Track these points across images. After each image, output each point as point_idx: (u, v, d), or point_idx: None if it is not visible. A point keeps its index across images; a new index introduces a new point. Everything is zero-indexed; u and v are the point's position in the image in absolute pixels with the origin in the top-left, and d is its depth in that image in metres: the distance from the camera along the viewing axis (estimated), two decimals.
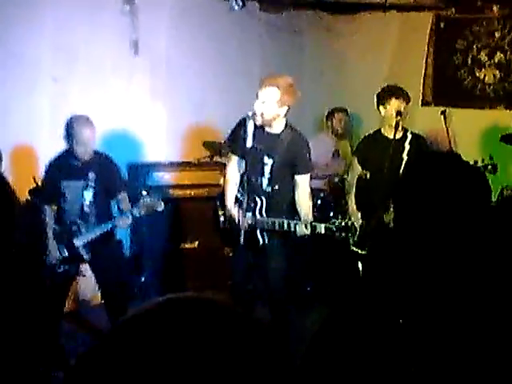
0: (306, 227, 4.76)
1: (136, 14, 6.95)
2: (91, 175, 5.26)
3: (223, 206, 5.22)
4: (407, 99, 5.89)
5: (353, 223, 4.74)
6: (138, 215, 5.25)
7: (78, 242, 5.22)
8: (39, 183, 5.31)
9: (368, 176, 6.25)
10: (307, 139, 5.20)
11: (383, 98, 5.93)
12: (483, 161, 5.66)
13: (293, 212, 5.06)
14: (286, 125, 5.01)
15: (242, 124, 5.10)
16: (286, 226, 4.84)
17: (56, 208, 5.41)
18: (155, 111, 7.25)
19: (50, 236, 5.24)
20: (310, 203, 5.08)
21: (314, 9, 8.30)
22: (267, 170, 4.97)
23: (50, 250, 5.20)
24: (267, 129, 4.94)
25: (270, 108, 4.87)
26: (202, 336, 1.04)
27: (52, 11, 6.36)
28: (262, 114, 4.86)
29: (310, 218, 4.95)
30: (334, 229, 4.66)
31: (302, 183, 5.02)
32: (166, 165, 7.03)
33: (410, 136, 5.95)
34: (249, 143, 4.89)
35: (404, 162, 5.74)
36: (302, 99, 8.32)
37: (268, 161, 4.95)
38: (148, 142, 7.17)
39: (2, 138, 5.80)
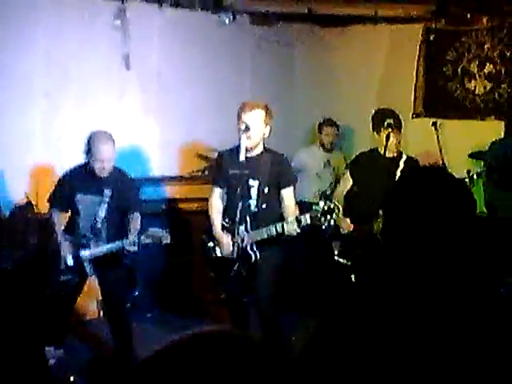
0: (292, 224, 4.90)
1: (127, 28, 6.97)
2: (107, 192, 5.26)
3: (211, 236, 5.35)
4: (398, 126, 5.97)
5: (335, 204, 4.86)
6: (143, 243, 5.23)
7: (85, 255, 5.22)
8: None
9: (356, 190, 6.31)
10: (286, 156, 5.47)
11: (376, 125, 5.99)
12: (476, 168, 5.70)
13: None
14: (264, 147, 5.21)
15: (227, 155, 5.29)
16: (274, 230, 4.97)
17: (68, 218, 5.42)
18: (147, 125, 7.25)
19: (59, 239, 5.27)
20: (297, 212, 5.23)
21: (305, 22, 8.32)
22: (254, 191, 5.14)
23: (60, 253, 5.24)
24: (248, 154, 5.06)
25: (259, 130, 5.07)
26: (229, 372, 1.04)
27: (43, 26, 6.38)
28: (253, 142, 5.06)
29: None
30: (319, 215, 4.80)
31: (287, 195, 5.24)
32: (158, 179, 7.02)
33: (404, 157, 5.99)
34: (242, 157, 4.94)
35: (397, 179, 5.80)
36: (294, 111, 8.45)
37: (254, 183, 5.12)
38: (140, 156, 7.17)
39: None
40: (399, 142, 6.01)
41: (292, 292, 6.65)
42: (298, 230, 4.93)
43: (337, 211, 4.83)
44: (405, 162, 5.97)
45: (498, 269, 4.53)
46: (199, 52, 7.59)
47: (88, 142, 5.21)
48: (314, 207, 4.96)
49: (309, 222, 4.87)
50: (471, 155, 6.63)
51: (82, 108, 6.70)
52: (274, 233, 4.97)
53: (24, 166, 6.30)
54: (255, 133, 5.02)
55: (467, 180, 5.57)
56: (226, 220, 5.28)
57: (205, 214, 5.50)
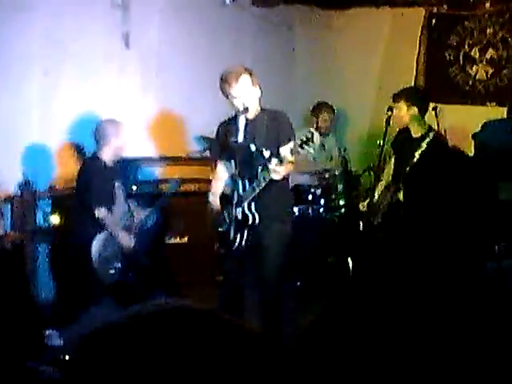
0: (275, 167, 4.63)
1: (127, 7, 6.91)
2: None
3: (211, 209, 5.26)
4: (415, 103, 6.00)
5: (312, 133, 4.54)
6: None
7: None
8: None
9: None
10: (285, 113, 5.23)
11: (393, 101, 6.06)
12: None
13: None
14: (261, 107, 5.08)
15: (225, 125, 5.19)
16: (262, 179, 4.78)
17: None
18: (146, 104, 7.20)
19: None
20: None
21: (306, 3, 8.27)
22: (255, 156, 4.96)
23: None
24: (247, 116, 4.93)
25: (251, 94, 4.95)
26: (192, 346, 1.01)
27: (42, 5, 6.30)
28: (250, 107, 4.91)
29: None
30: (298, 148, 4.54)
31: (287, 150, 4.83)
32: (156, 159, 6.99)
33: (431, 135, 5.92)
34: (240, 138, 4.83)
35: (415, 160, 5.79)
36: (294, 92, 8.41)
37: (254, 147, 4.96)
38: (138, 136, 7.12)
39: None
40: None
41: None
42: (282, 169, 4.65)
43: (314, 139, 4.51)
44: (428, 144, 5.92)
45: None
46: (200, 32, 7.53)
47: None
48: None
49: (289, 156, 4.60)
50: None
51: (81, 87, 6.64)
52: (263, 181, 4.78)
53: (21, 145, 6.25)
54: (250, 101, 4.92)
55: None
56: (232, 188, 5.12)
57: (204, 195, 5.47)
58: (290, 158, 4.61)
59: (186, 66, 7.42)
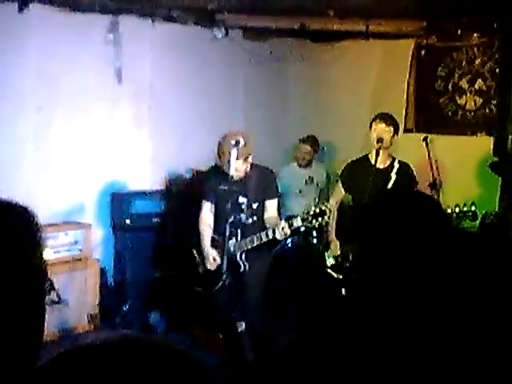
0: (283, 227, 4.99)
1: (120, 42, 7.00)
2: None
3: (199, 251, 5.55)
4: (393, 125, 5.90)
5: (326, 206, 4.97)
6: None
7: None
8: None
9: (350, 201, 6.30)
10: (271, 169, 5.66)
11: (371, 122, 5.93)
12: (464, 205, 5.60)
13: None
14: (251, 164, 5.33)
15: (215, 173, 5.47)
16: (264, 236, 5.13)
17: None
18: (139, 139, 7.26)
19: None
20: (278, 220, 5.32)
21: (297, 37, 8.37)
22: (243, 207, 5.24)
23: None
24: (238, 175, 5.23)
25: (243, 164, 5.21)
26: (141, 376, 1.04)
27: (36, 41, 6.38)
28: (240, 173, 5.21)
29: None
30: (310, 217, 4.91)
31: (271, 206, 5.44)
32: (149, 193, 7.02)
33: (396, 165, 5.92)
34: (232, 171, 5.04)
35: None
36: (285, 125, 8.49)
37: (243, 199, 5.24)
38: (132, 169, 7.18)
39: None
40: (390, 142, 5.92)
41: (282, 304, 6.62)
42: (289, 233, 5.06)
43: (328, 213, 4.93)
44: (396, 173, 5.91)
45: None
46: (192, 66, 7.61)
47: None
48: (305, 211, 5.05)
49: (300, 224, 4.98)
50: (492, 166, 6.54)
51: (74, 122, 6.70)
52: (265, 238, 5.11)
53: (15, 180, 6.29)
54: (241, 169, 5.19)
55: (454, 215, 5.53)
56: (216, 234, 5.42)
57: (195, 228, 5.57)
58: (300, 224, 4.98)
59: (178, 99, 7.50)
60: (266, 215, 5.39)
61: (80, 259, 6.24)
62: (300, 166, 7.67)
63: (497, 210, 6.52)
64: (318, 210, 4.89)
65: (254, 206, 5.28)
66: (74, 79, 6.64)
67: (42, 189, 6.43)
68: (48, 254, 5.99)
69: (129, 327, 6.40)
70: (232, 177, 5.06)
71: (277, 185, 5.67)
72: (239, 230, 5.21)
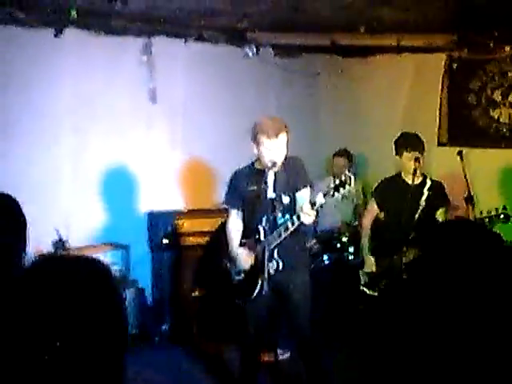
0: (307, 210, 4.54)
1: (153, 63, 7.08)
2: None
3: (229, 258, 5.18)
4: (421, 150, 6.02)
5: (346, 175, 4.46)
6: None
7: None
8: None
9: (384, 218, 6.37)
10: (300, 159, 5.19)
11: (398, 148, 6.08)
12: (497, 210, 5.68)
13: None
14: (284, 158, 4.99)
15: (243, 175, 5.18)
16: (290, 224, 4.71)
17: None
18: (174, 159, 7.33)
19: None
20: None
21: (329, 53, 8.39)
22: (276, 204, 4.87)
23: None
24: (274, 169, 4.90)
25: (284, 152, 4.92)
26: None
27: (71, 64, 6.50)
28: (278, 162, 4.87)
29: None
30: (332, 191, 4.46)
31: (303, 196, 4.94)
32: (185, 212, 7.07)
33: (429, 182, 6.07)
34: (270, 194, 4.79)
35: (421, 208, 5.91)
36: (319, 142, 8.51)
37: (273, 195, 4.85)
38: (167, 189, 7.24)
39: (25, 190, 5.91)
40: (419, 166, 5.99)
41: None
42: (314, 215, 4.58)
43: (349, 181, 4.43)
44: (429, 189, 6.05)
45: None
46: (224, 85, 7.68)
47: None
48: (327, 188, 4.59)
49: (322, 200, 4.51)
50: None
51: (110, 142, 6.79)
52: (291, 227, 4.69)
53: (53, 202, 6.38)
54: (280, 158, 4.89)
55: (487, 219, 5.59)
56: (245, 240, 5.10)
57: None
58: (322, 200, 4.53)
59: (212, 118, 7.56)
60: (297, 207, 4.85)
61: (119, 280, 6.29)
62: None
63: None
64: (338, 181, 4.45)
65: (285, 200, 4.92)
66: (109, 101, 6.76)
67: (80, 210, 6.53)
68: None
69: (169, 346, 6.46)
70: (264, 171, 4.81)
71: (307, 173, 5.13)
72: (271, 229, 4.81)
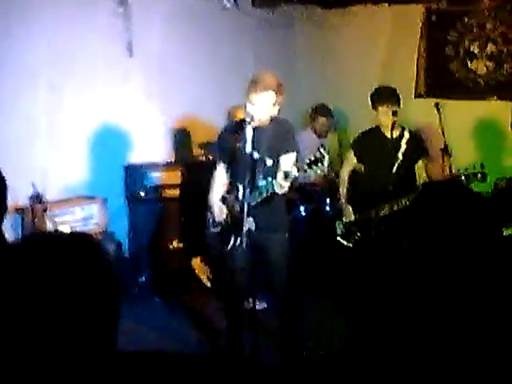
0: (280, 181, 4.53)
1: (129, 15, 6.99)
2: None
3: (208, 208, 5.22)
4: (397, 103, 6.04)
5: (322, 153, 4.40)
6: None
7: None
8: None
9: (362, 170, 6.41)
10: (289, 122, 5.16)
11: (373, 102, 6.09)
12: (474, 167, 5.68)
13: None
14: (271, 117, 4.96)
15: (230, 130, 5.14)
16: (264, 190, 4.71)
17: None
18: (150, 111, 7.30)
19: None
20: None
21: (306, 3, 8.33)
22: (258, 165, 4.86)
23: None
24: (253, 124, 4.78)
25: (267, 111, 4.85)
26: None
27: (45, 18, 6.36)
28: (259, 118, 4.80)
29: None
30: (305, 167, 4.41)
31: (286, 161, 4.90)
32: (162, 165, 7.07)
33: (407, 135, 6.08)
34: (248, 149, 4.71)
35: (399, 161, 5.95)
36: (296, 93, 8.48)
37: (257, 155, 4.84)
38: (144, 142, 7.23)
39: (1, 146, 5.90)
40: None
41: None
42: (287, 184, 4.54)
43: (323, 160, 4.40)
44: (407, 142, 6.08)
45: None
46: (201, 37, 7.62)
47: None
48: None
49: (296, 173, 4.46)
50: None
51: (86, 96, 6.73)
52: (265, 193, 4.69)
53: (29, 157, 6.35)
54: (262, 115, 4.82)
55: (464, 177, 5.62)
56: (229, 195, 5.12)
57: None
58: (296, 174, 4.49)
59: (189, 70, 7.51)
60: (279, 173, 4.74)
61: (96, 233, 6.31)
62: (319, 136, 7.72)
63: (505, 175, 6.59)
64: (312, 158, 4.40)
65: (269, 162, 4.86)
66: (84, 54, 6.66)
67: (56, 164, 6.49)
68: (65, 229, 6.08)
69: (146, 298, 6.53)
70: (252, 123, 4.70)
71: (295, 137, 5.11)
72: (252, 189, 4.74)
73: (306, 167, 4.43)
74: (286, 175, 4.51)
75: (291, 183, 4.63)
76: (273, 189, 4.64)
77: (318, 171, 4.48)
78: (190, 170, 7.05)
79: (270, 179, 4.68)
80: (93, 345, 1.52)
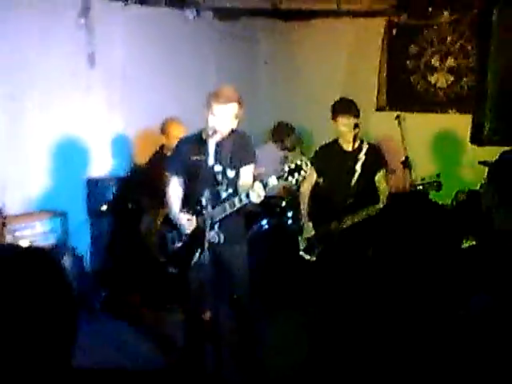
0: (259, 189, 4.49)
1: (91, 26, 6.95)
2: None
3: (170, 223, 5.18)
4: (356, 115, 6.05)
5: (302, 160, 4.42)
6: None
7: None
8: None
9: (322, 183, 6.43)
10: (248, 134, 5.15)
11: (333, 113, 6.11)
12: (431, 178, 5.77)
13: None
14: (231, 130, 4.96)
15: (188, 143, 5.10)
16: (237, 201, 4.68)
17: None
18: (112, 123, 7.25)
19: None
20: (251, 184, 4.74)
21: (269, 17, 8.36)
22: (219, 177, 4.88)
23: None
24: (215, 138, 4.79)
25: (229, 123, 4.86)
26: None
27: (4, 28, 6.31)
28: (220, 131, 4.79)
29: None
30: (285, 175, 4.42)
31: (246, 171, 4.93)
32: (123, 178, 7.03)
33: (365, 147, 6.11)
34: (211, 162, 4.71)
35: (358, 174, 5.98)
36: (258, 105, 8.50)
37: (218, 168, 4.86)
38: (106, 155, 7.18)
39: None
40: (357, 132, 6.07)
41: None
42: (264, 194, 4.52)
43: (304, 167, 4.40)
44: (365, 154, 6.10)
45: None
46: (164, 48, 7.61)
47: None
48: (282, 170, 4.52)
49: (275, 182, 4.47)
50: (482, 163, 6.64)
51: (47, 108, 6.66)
52: (238, 204, 4.67)
53: None
54: (224, 127, 4.82)
55: (422, 187, 5.70)
56: (186, 210, 5.05)
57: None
58: (275, 182, 4.49)
59: (151, 82, 7.48)
60: (239, 182, 4.87)
61: (57, 248, 6.24)
62: (281, 148, 7.76)
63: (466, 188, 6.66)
64: (293, 166, 4.40)
65: (231, 174, 4.87)
66: (46, 66, 6.59)
67: (16, 177, 6.42)
68: (25, 244, 6.00)
69: (109, 313, 6.47)
70: (214, 136, 4.69)
71: (254, 149, 5.13)
72: (212, 201, 4.66)
73: (287, 175, 4.43)
74: (266, 185, 4.49)
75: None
76: (248, 198, 4.59)
77: (300, 179, 4.51)
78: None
79: (243, 194, 4.64)
80: (47, 360, 1.50)
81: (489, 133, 5.66)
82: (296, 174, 4.41)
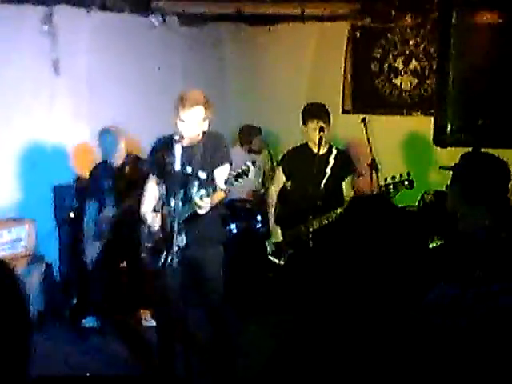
0: (201, 199, 4.60)
1: (55, 33, 6.91)
2: None
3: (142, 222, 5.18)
4: (326, 119, 6.06)
5: (248, 167, 4.45)
6: None
7: None
8: None
9: (291, 187, 6.45)
10: (222, 135, 5.19)
11: (303, 118, 6.12)
12: (401, 176, 5.78)
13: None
14: (203, 132, 4.99)
15: (162, 144, 5.08)
16: (194, 204, 4.68)
17: None
18: (79, 130, 7.21)
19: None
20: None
21: (234, 21, 8.38)
22: (191, 179, 4.87)
23: None
24: (183, 142, 4.82)
25: (198, 126, 4.88)
26: None
27: None
28: (189, 136, 4.83)
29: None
30: (232, 180, 4.47)
31: (221, 172, 4.88)
32: None
33: (334, 151, 6.16)
34: (177, 167, 4.73)
35: (327, 177, 6.02)
36: (223, 110, 8.51)
37: (190, 169, 4.87)
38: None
39: None
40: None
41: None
42: (204, 203, 4.61)
43: (249, 172, 4.43)
44: (334, 158, 6.15)
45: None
46: (129, 55, 7.58)
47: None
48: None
49: (223, 186, 4.52)
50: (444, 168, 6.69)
51: (12, 117, 6.62)
52: (195, 207, 4.68)
53: None
54: (193, 131, 4.85)
55: (391, 186, 5.72)
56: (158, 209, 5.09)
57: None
58: (223, 187, 4.56)
59: (117, 89, 7.45)
60: (216, 183, 4.77)
61: (24, 256, 6.20)
62: (248, 152, 7.78)
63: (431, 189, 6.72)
64: (239, 170, 4.43)
65: (202, 175, 4.80)
66: (8, 74, 6.54)
67: None
68: None
69: (78, 320, 6.43)
70: (181, 141, 4.71)
71: (229, 149, 5.15)
72: (185, 203, 4.76)
73: (233, 180, 4.48)
74: (215, 189, 4.57)
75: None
76: (193, 209, 4.66)
77: (243, 183, 4.57)
78: None
79: (198, 195, 4.66)
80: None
81: (451, 135, 5.70)
82: (240, 179, 4.46)
